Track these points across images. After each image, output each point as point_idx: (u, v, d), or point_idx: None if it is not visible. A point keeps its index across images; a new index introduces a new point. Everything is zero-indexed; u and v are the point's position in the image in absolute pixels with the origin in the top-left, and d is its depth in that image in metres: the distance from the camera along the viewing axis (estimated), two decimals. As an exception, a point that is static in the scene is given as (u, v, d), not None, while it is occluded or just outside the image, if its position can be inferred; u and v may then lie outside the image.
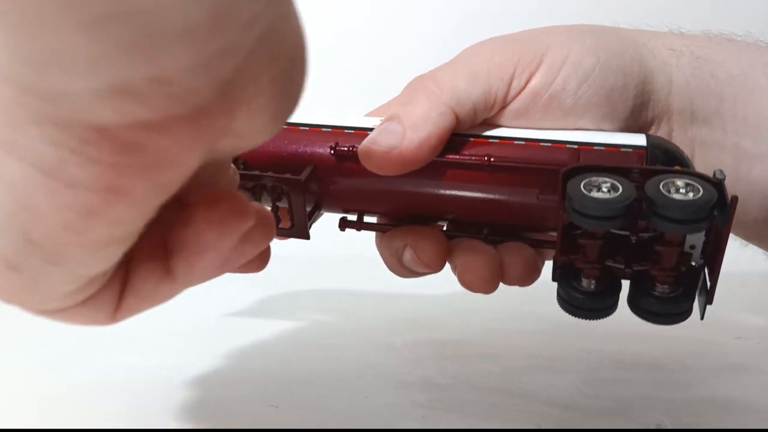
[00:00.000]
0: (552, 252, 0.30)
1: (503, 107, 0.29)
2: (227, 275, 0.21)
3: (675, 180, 0.24)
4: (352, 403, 0.34)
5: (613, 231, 0.26)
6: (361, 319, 0.46)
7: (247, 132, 0.17)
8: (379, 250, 0.32)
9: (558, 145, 0.28)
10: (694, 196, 0.23)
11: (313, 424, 0.32)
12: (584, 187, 0.24)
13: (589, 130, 0.29)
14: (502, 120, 0.30)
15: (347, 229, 0.32)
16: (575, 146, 0.28)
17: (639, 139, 0.28)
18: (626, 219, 0.24)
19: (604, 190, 0.24)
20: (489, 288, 0.30)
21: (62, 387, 0.35)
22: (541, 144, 0.29)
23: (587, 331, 0.41)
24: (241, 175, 0.28)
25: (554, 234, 0.31)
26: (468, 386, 0.35)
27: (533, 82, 0.29)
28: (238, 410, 0.33)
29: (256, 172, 0.29)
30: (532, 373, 0.37)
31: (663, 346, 0.40)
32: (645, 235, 0.26)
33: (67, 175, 0.14)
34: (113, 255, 0.17)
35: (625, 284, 0.27)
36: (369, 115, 0.32)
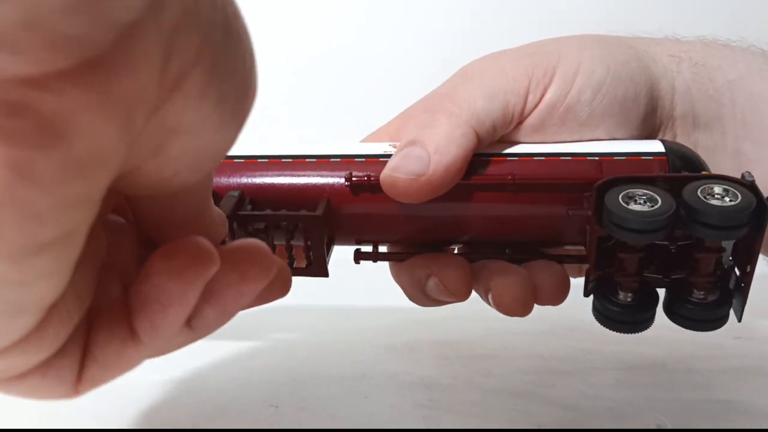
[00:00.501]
0: (572, 267, 0.30)
1: (520, 122, 0.28)
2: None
3: (712, 186, 0.23)
4: (353, 403, 0.34)
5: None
6: (361, 320, 0.45)
7: (195, 124, 0.15)
8: (396, 280, 0.30)
9: (579, 158, 0.28)
10: (731, 201, 0.23)
11: (314, 425, 0.32)
12: (622, 199, 0.24)
13: (604, 140, 0.29)
14: (518, 136, 0.29)
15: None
16: (596, 158, 0.28)
17: (656, 146, 0.28)
18: (668, 229, 0.24)
19: (641, 201, 0.24)
20: (526, 310, 0.28)
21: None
22: (562, 158, 0.28)
23: (588, 332, 0.41)
24: (251, 215, 0.27)
25: (571, 248, 0.30)
26: (469, 386, 0.35)
27: (548, 95, 0.28)
28: (238, 410, 0.33)
29: (268, 212, 0.27)
30: (532, 374, 0.37)
31: (663, 347, 0.40)
32: (681, 243, 0.26)
33: None
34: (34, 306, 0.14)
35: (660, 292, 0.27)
36: (368, 138, 0.31)
